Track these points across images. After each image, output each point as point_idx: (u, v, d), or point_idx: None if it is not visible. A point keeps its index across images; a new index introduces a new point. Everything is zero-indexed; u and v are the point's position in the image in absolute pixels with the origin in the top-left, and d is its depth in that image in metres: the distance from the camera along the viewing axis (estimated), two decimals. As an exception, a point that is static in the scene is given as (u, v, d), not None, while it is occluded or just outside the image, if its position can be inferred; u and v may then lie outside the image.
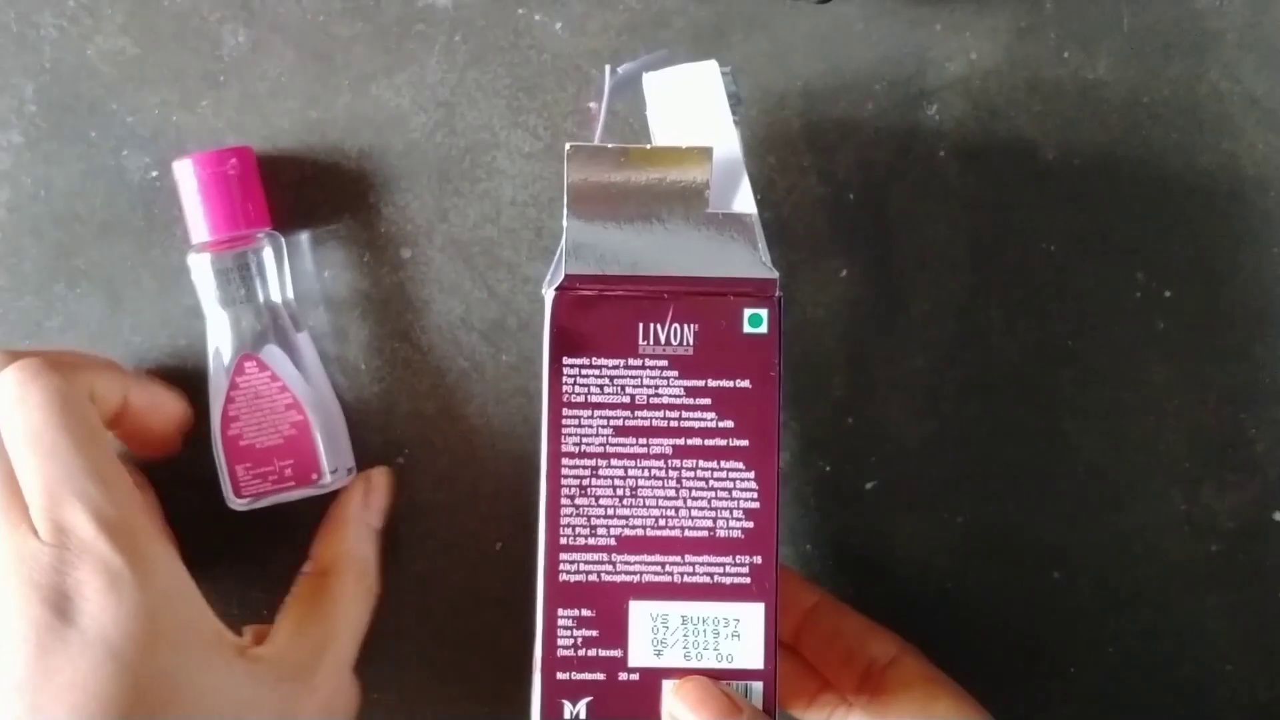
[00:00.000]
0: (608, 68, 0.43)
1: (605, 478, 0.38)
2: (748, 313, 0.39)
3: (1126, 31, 0.51)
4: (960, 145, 0.51)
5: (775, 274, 0.39)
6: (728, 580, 0.38)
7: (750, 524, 0.38)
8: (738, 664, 0.38)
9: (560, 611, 0.38)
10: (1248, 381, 0.51)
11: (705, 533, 0.38)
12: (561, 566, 0.38)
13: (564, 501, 0.38)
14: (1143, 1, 0.51)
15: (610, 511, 0.38)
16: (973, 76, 0.51)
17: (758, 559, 0.38)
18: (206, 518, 0.51)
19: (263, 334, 0.48)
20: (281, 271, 0.49)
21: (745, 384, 0.39)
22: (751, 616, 0.38)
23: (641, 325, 0.38)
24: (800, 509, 0.52)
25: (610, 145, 0.38)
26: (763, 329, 0.39)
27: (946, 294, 0.51)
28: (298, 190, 0.50)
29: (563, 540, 0.38)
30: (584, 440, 0.38)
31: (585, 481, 0.38)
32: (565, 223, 0.38)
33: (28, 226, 0.51)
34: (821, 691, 0.44)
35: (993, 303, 0.51)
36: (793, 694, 0.44)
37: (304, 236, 0.51)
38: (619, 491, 0.38)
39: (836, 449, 0.51)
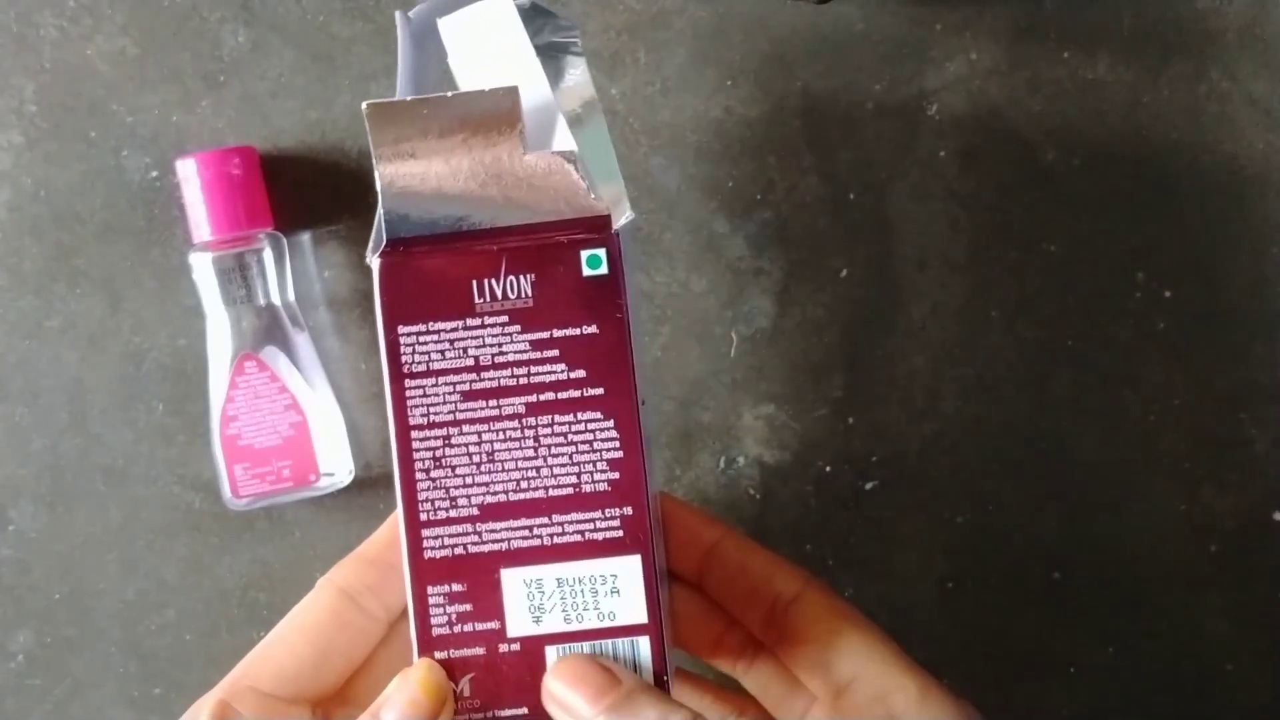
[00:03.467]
0: (398, 14, 0.40)
1: (459, 446, 0.37)
2: (585, 254, 0.36)
3: (1126, 31, 0.51)
4: (960, 145, 0.51)
5: (608, 210, 0.36)
6: (599, 536, 0.37)
7: (616, 474, 0.37)
8: (621, 620, 0.37)
9: (430, 589, 0.37)
10: (1248, 381, 0.51)
11: (570, 489, 0.37)
12: (425, 543, 0.37)
13: (419, 476, 0.37)
14: (1143, 1, 0.51)
15: (469, 480, 0.37)
16: (973, 76, 0.51)
17: (628, 509, 0.37)
18: (206, 518, 0.51)
19: (263, 334, 0.49)
20: (282, 272, 0.49)
21: (593, 329, 0.36)
22: (629, 570, 0.37)
23: (475, 282, 0.36)
24: (800, 509, 0.52)
25: (409, 98, 0.36)
26: (603, 270, 0.36)
27: (946, 294, 0.51)
28: (298, 190, 0.50)
29: (423, 516, 0.37)
30: (431, 410, 0.37)
31: (439, 452, 0.37)
32: (378, 186, 0.36)
33: (28, 226, 0.51)
34: (727, 632, 0.41)
35: (993, 303, 0.51)
36: (695, 635, 0.42)
37: (305, 236, 0.51)
38: (475, 458, 0.37)
39: (836, 449, 0.51)
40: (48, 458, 0.51)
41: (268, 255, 0.49)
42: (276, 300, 0.49)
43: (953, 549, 0.52)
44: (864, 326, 0.51)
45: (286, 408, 0.48)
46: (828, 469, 0.52)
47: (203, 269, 0.48)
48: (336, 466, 0.49)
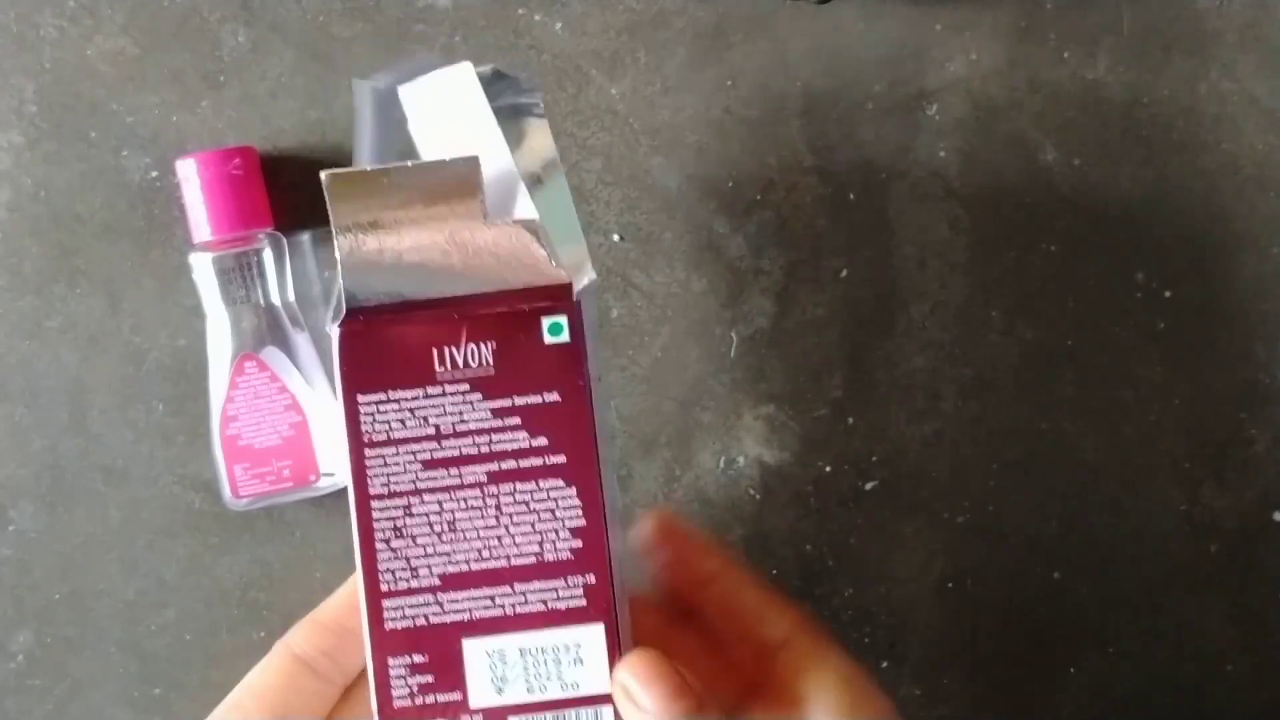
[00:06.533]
0: (356, 82, 0.40)
1: (420, 516, 0.36)
2: (546, 322, 0.36)
3: (1126, 31, 0.51)
4: (960, 145, 0.51)
5: (569, 278, 0.36)
6: (562, 605, 0.36)
7: (578, 543, 0.36)
8: (584, 690, 0.36)
9: (390, 660, 0.36)
10: (1248, 381, 0.51)
11: (533, 558, 0.36)
12: (386, 614, 0.36)
13: (379, 546, 0.36)
14: (1143, 1, 0.51)
15: (430, 550, 0.36)
16: (973, 76, 0.51)
17: (590, 578, 0.36)
18: (206, 518, 0.51)
19: (263, 334, 0.49)
20: (282, 272, 0.49)
21: (554, 397, 0.36)
22: (592, 639, 0.36)
23: (435, 350, 0.36)
24: (800, 509, 0.52)
25: (370, 168, 0.36)
26: (564, 337, 0.36)
27: (946, 294, 0.51)
28: (298, 190, 0.50)
29: (383, 587, 0.36)
30: (392, 479, 0.36)
31: (399, 522, 0.36)
32: (337, 254, 0.36)
33: (28, 226, 0.51)
34: (722, 676, 0.40)
35: (993, 303, 0.51)
36: (697, 669, 0.39)
37: (305, 237, 0.51)
38: (436, 528, 0.36)
39: (836, 449, 0.51)
40: (48, 458, 0.51)
41: (268, 255, 0.49)
42: (276, 300, 0.49)
43: (953, 549, 0.52)
44: (864, 326, 0.51)
45: (286, 408, 0.48)
46: (828, 469, 0.52)
47: (203, 269, 0.48)
48: (336, 466, 0.49)
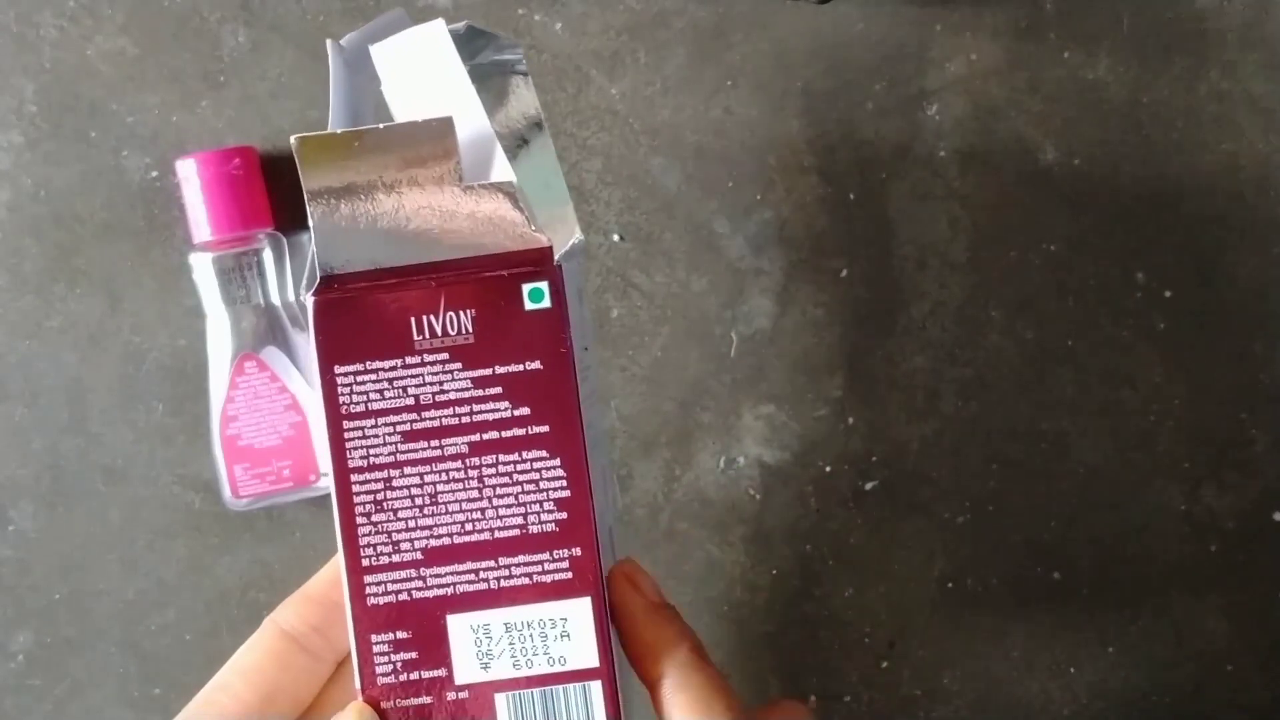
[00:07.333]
0: (329, 42, 0.38)
1: (400, 488, 0.36)
2: (527, 288, 0.35)
3: (1126, 31, 0.51)
4: (960, 145, 0.51)
5: (549, 242, 0.35)
6: (548, 578, 0.36)
7: (563, 515, 0.36)
8: (571, 665, 0.35)
9: (374, 637, 0.35)
10: (1248, 381, 0.51)
11: (517, 531, 0.36)
12: (368, 589, 0.35)
13: (360, 520, 0.35)
14: (1143, 1, 0.51)
15: (411, 524, 0.36)
16: (973, 76, 0.51)
17: (576, 550, 0.36)
18: (206, 518, 0.51)
19: (263, 334, 0.49)
20: (282, 272, 0.49)
21: (536, 365, 0.35)
22: (579, 613, 0.36)
23: (414, 319, 0.35)
24: (800, 509, 0.52)
25: (340, 131, 0.34)
26: (545, 303, 0.35)
27: (946, 294, 0.51)
28: (298, 190, 0.50)
29: (365, 562, 0.35)
30: (371, 452, 0.35)
31: (379, 495, 0.35)
32: (310, 221, 0.35)
33: (28, 226, 0.51)
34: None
35: (993, 303, 0.51)
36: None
37: (305, 237, 0.51)
38: (418, 501, 0.36)
39: (836, 449, 0.51)
40: (48, 458, 0.51)
41: (268, 255, 0.49)
42: (276, 300, 0.49)
43: (953, 549, 0.52)
44: (864, 326, 0.51)
45: (286, 408, 0.49)
46: (828, 469, 0.52)
47: (203, 269, 0.48)
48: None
